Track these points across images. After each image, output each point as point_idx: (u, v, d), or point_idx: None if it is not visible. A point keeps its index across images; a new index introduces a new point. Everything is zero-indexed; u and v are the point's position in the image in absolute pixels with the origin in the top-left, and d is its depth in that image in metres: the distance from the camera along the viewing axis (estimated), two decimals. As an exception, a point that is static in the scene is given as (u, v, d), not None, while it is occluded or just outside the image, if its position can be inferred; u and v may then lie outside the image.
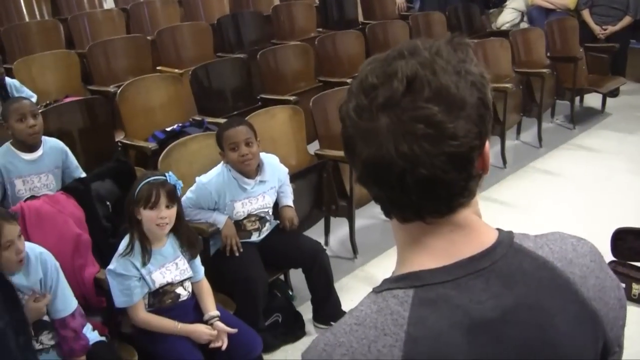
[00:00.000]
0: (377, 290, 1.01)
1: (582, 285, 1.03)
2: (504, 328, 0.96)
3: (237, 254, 3.60)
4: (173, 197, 3.06)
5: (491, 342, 0.95)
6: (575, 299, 1.02)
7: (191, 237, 3.27)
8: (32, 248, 2.89)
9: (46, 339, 2.91)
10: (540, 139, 6.65)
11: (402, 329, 0.94)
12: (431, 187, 0.95)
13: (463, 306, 0.96)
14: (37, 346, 2.88)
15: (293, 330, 3.87)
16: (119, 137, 4.80)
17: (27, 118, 3.66)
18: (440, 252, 1.01)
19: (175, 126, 4.83)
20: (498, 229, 1.06)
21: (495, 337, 0.96)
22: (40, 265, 2.86)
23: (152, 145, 4.54)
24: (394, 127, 0.93)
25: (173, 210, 3.07)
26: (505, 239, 1.04)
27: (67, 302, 2.92)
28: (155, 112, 4.96)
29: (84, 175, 3.89)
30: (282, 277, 4.19)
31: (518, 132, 6.88)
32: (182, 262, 3.22)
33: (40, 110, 3.92)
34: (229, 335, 3.23)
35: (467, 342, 0.94)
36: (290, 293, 4.12)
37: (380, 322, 0.96)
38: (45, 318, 2.89)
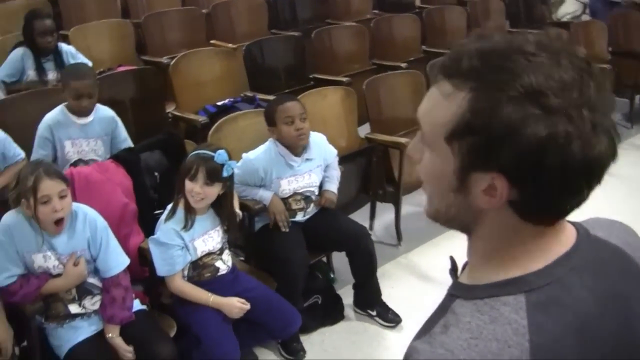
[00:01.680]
0: (469, 297, 0.96)
1: None
2: (601, 322, 0.96)
3: (286, 230, 3.58)
4: (214, 176, 3.02)
5: (595, 338, 0.95)
6: None
7: (232, 221, 3.26)
8: (80, 208, 2.92)
9: (89, 303, 2.93)
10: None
11: (525, 339, 0.90)
12: (592, 186, 0.95)
13: (570, 306, 0.94)
14: (80, 310, 2.91)
15: (332, 313, 3.84)
16: (170, 109, 4.81)
17: (82, 98, 3.68)
18: (538, 252, 0.98)
19: (226, 101, 4.82)
20: (571, 222, 1.04)
21: (597, 333, 0.95)
22: (88, 225, 2.88)
23: (202, 118, 4.55)
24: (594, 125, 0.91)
25: (212, 189, 3.05)
26: (584, 231, 1.03)
27: (120, 260, 2.95)
28: (206, 86, 4.96)
29: (131, 146, 3.90)
30: (324, 259, 4.16)
31: None
32: (222, 231, 3.23)
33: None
34: (267, 311, 3.24)
35: (579, 343, 0.93)
36: (332, 276, 4.09)
37: (501, 334, 0.90)
38: (92, 281, 2.91)
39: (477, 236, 1.02)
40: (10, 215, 2.82)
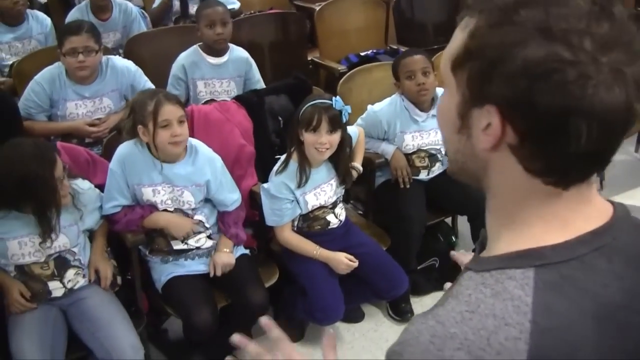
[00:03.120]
0: (479, 269, 0.87)
1: None
2: (628, 315, 0.85)
3: (407, 186, 3.45)
4: (336, 123, 2.94)
5: (617, 331, 0.84)
6: None
7: (347, 167, 3.16)
8: (202, 147, 2.94)
9: (193, 240, 2.94)
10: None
11: (527, 318, 0.80)
12: (606, 145, 0.83)
13: (590, 290, 0.83)
14: (183, 246, 2.94)
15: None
16: (313, 56, 4.75)
17: (216, 25, 3.70)
18: (558, 225, 0.87)
19: (369, 52, 4.71)
20: (611, 202, 0.93)
21: (621, 325, 0.84)
22: (209, 165, 2.90)
23: (341, 67, 4.47)
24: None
25: (335, 136, 2.96)
26: (623, 212, 0.92)
27: (237, 195, 3.01)
28: (351, 35, 4.88)
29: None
30: (450, 222, 3.99)
31: (637, 145, 5.29)
32: (337, 185, 3.13)
33: (235, 19, 3.94)
34: (374, 270, 3.14)
35: (595, 332, 0.82)
36: (454, 239, 3.90)
37: (500, 309, 0.81)
38: (199, 217, 2.94)
39: (490, 195, 0.93)
40: (126, 146, 2.86)
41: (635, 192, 4.61)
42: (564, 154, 0.82)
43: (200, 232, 2.96)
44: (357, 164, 3.27)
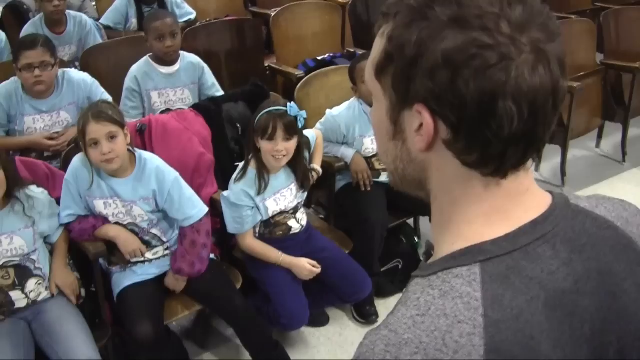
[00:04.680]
0: (424, 274, 0.85)
1: None
2: (577, 298, 0.85)
3: (368, 189, 3.47)
4: (292, 130, 2.95)
5: (567, 315, 0.84)
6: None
7: (306, 171, 3.17)
8: (150, 159, 2.90)
9: (150, 254, 2.94)
10: (624, 152, 5.23)
11: (478, 313, 0.79)
12: (539, 125, 0.83)
13: (537, 278, 0.83)
14: (141, 259, 2.93)
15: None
16: (271, 62, 4.75)
17: (165, 38, 3.70)
18: (498, 217, 0.87)
19: (326, 56, 4.73)
20: (549, 191, 0.93)
21: (571, 310, 0.84)
22: (155, 177, 2.85)
23: (299, 72, 4.47)
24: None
25: (292, 143, 2.98)
26: (562, 200, 0.91)
27: (198, 207, 2.91)
28: (307, 40, 4.88)
29: (221, 93, 3.87)
30: (412, 223, 4.02)
31: (598, 140, 5.42)
32: (296, 189, 3.14)
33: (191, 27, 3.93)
34: (338, 274, 3.17)
35: (546, 319, 0.82)
36: (416, 240, 3.93)
37: (450, 308, 0.80)
38: (154, 232, 2.92)
39: (432, 197, 0.92)
40: (79, 158, 2.85)
41: (597, 187, 4.72)
42: (498, 139, 0.81)
43: (156, 246, 2.95)
44: (317, 166, 3.29)
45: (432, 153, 0.86)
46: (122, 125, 2.76)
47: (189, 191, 2.93)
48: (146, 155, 2.92)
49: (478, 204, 0.87)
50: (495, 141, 0.81)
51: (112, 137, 2.71)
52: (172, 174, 2.91)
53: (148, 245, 2.93)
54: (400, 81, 0.83)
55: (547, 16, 0.82)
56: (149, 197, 2.85)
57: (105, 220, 2.86)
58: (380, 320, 3.37)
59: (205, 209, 2.93)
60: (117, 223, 2.87)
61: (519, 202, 0.87)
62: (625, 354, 0.87)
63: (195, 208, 2.91)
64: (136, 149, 2.92)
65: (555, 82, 0.81)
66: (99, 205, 2.84)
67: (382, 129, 0.90)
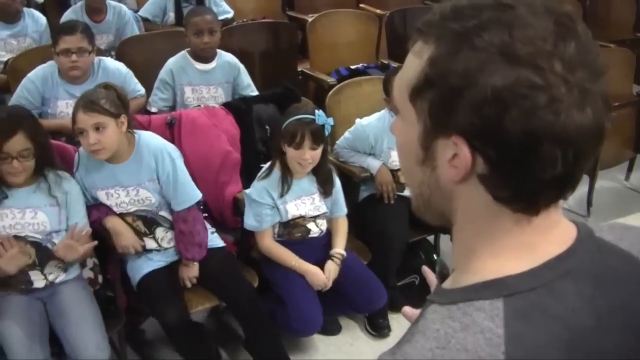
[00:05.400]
0: (443, 302, 0.83)
1: None
2: (601, 337, 0.82)
3: (392, 202, 3.46)
4: (318, 138, 2.96)
5: (589, 354, 0.81)
6: None
7: (329, 177, 3.18)
8: (143, 138, 2.89)
9: (161, 236, 2.96)
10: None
11: (500, 350, 0.77)
12: (580, 167, 0.81)
13: (559, 316, 0.81)
14: (155, 246, 2.95)
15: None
16: (304, 67, 4.77)
17: (203, 34, 3.72)
18: (525, 252, 0.84)
19: (360, 65, 4.73)
20: (574, 221, 0.90)
21: (593, 349, 0.82)
22: (152, 154, 2.85)
23: (331, 79, 4.48)
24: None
25: (317, 151, 2.99)
26: (587, 232, 0.88)
27: (191, 194, 2.91)
28: (342, 48, 4.88)
29: (256, 93, 3.89)
30: (433, 240, 4.00)
31: (628, 173, 5.25)
32: (319, 199, 3.14)
33: (228, 26, 3.96)
34: (353, 283, 3.16)
35: (568, 358, 0.80)
36: (435, 258, 3.91)
37: (471, 343, 0.77)
38: (163, 214, 2.94)
39: (457, 227, 0.89)
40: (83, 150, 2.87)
41: (623, 220, 4.59)
42: (537, 179, 0.79)
43: (167, 228, 2.97)
44: (340, 250, 3.22)
45: (463, 185, 0.83)
46: (115, 114, 2.71)
47: (185, 176, 2.92)
48: (145, 135, 2.92)
49: (506, 239, 0.84)
50: (533, 181, 0.79)
51: (99, 128, 2.68)
52: (170, 150, 2.90)
53: (159, 225, 2.93)
54: (440, 109, 0.80)
55: (596, 53, 0.80)
56: (153, 178, 2.86)
57: (109, 210, 2.87)
58: (392, 335, 3.40)
59: (197, 197, 2.92)
60: (121, 214, 2.88)
61: (547, 236, 0.85)
62: None
63: (190, 193, 2.91)
64: (136, 131, 2.91)
65: (600, 124, 0.79)
66: (102, 196, 2.86)
67: (409, 152, 0.87)
